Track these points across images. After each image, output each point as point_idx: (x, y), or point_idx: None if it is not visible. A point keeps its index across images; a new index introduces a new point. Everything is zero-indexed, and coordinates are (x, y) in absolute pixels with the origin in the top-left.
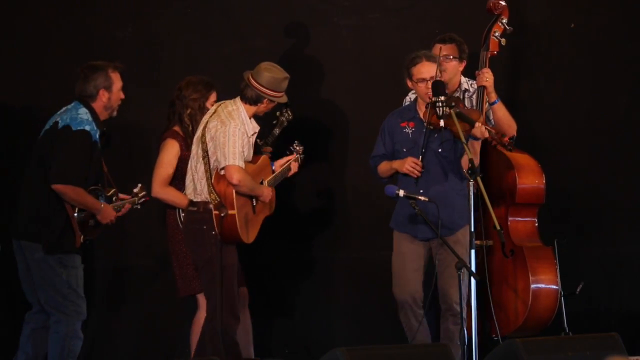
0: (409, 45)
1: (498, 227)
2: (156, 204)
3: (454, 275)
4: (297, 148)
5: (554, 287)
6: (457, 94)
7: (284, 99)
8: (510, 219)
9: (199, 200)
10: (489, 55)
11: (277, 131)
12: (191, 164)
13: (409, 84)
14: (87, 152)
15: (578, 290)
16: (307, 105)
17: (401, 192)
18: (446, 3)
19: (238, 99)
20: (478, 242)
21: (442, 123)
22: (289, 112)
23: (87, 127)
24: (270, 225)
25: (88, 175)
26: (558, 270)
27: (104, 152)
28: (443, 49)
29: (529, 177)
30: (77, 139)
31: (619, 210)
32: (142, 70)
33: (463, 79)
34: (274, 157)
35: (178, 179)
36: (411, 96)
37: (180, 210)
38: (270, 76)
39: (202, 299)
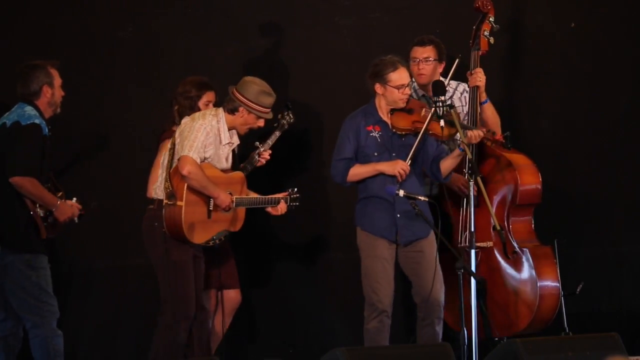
0: (409, 45)
1: (498, 228)
2: None
3: (436, 277)
4: (291, 191)
5: (557, 286)
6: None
7: (266, 116)
8: (511, 219)
9: (158, 197)
10: (480, 55)
11: (277, 134)
12: (162, 160)
13: (379, 89)
14: (40, 144)
15: (578, 290)
16: (307, 105)
17: (401, 192)
18: (446, 3)
19: (221, 108)
20: (479, 244)
21: (442, 123)
22: (290, 114)
23: (37, 121)
24: (270, 225)
25: (42, 169)
26: (558, 270)
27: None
28: (422, 51)
29: (529, 177)
30: (28, 131)
31: (618, 210)
32: (142, 70)
33: (443, 80)
34: (273, 158)
35: None
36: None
37: None
38: (255, 89)
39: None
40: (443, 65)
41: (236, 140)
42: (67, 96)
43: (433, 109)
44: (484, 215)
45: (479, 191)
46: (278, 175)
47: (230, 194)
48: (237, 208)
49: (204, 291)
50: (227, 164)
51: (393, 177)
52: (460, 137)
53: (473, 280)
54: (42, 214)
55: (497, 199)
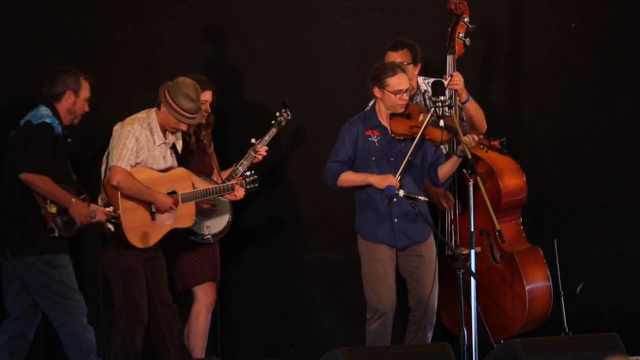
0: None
1: (498, 228)
2: None
3: (433, 282)
4: (247, 174)
5: (548, 285)
6: (418, 97)
7: (189, 121)
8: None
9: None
10: (456, 58)
11: (274, 130)
12: None
13: (378, 93)
14: (50, 143)
15: (578, 290)
16: (306, 105)
17: (401, 192)
18: (446, 3)
19: (155, 108)
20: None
21: (442, 123)
22: (288, 112)
23: (48, 120)
24: (270, 225)
25: (54, 168)
26: (547, 268)
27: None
28: (396, 56)
29: (511, 179)
30: (38, 130)
31: (618, 210)
32: (142, 70)
33: (420, 80)
34: (273, 158)
35: None
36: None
37: None
38: (180, 90)
39: (198, 291)
40: (419, 67)
41: (172, 139)
42: None
43: (429, 114)
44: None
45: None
46: (277, 175)
47: (175, 192)
48: (184, 204)
49: (201, 285)
50: (165, 163)
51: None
52: (460, 139)
53: (473, 281)
54: (54, 212)
55: (480, 203)
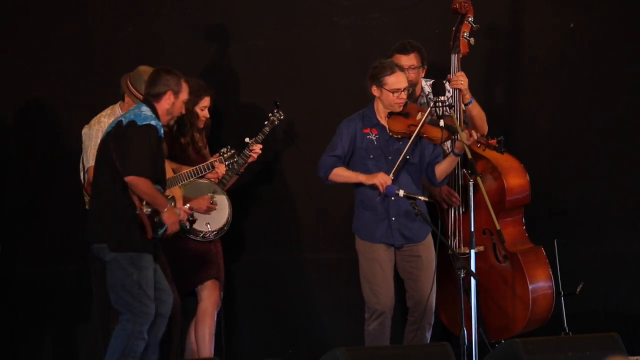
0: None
1: (498, 228)
2: None
3: (431, 282)
4: (223, 150)
5: (550, 285)
6: (422, 99)
7: None
8: (501, 223)
9: None
10: (461, 57)
11: (267, 130)
12: None
13: (376, 91)
14: (155, 146)
15: (578, 290)
16: (306, 105)
17: (401, 192)
18: (446, 3)
19: (118, 103)
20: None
21: (442, 123)
22: (280, 112)
23: (153, 122)
24: (269, 226)
25: (155, 170)
26: (550, 268)
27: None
28: (406, 59)
29: (516, 179)
30: (144, 132)
31: (618, 210)
32: None
33: (423, 82)
34: (272, 157)
35: None
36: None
37: None
38: (143, 80)
39: (202, 291)
40: (425, 69)
41: None
42: (67, 96)
43: (426, 113)
44: (475, 219)
45: (474, 193)
46: (276, 175)
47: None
48: (171, 189)
49: (205, 284)
50: None
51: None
52: (458, 138)
53: (473, 281)
54: (149, 212)
55: (484, 203)
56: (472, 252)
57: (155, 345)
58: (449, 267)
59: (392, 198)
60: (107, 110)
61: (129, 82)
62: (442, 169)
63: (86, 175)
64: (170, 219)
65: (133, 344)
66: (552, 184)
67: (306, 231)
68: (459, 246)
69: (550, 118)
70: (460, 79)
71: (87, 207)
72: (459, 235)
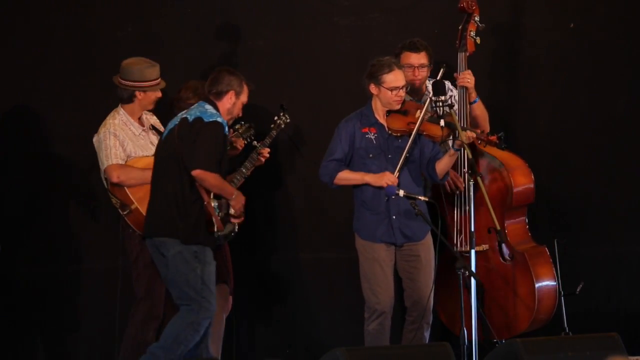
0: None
1: (498, 228)
2: None
3: (429, 283)
4: (237, 126)
5: (554, 285)
6: (425, 98)
7: (160, 85)
8: (507, 221)
9: None
10: (467, 56)
11: (274, 133)
12: None
13: (374, 89)
14: (221, 143)
15: (578, 290)
16: (306, 105)
17: (401, 192)
18: (446, 3)
19: (119, 106)
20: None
21: (442, 123)
22: (286, 115)
23: (219, 119)
24: (270, 225)
25: (221, 166)
26: (554, 268)
27: None
28: (417, 58)
29: (522, 178)
30: (211, 128)
31: (618, 210)
32: None
33: (427, 81)
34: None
35: None
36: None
37: None
38: (135, 68)
39: None
40: (431, 69)
41: (147, 123)
42: (67, 96)
43: (424, 110)
44: (479, 218)
45: (475, 191)
46: (276, 175)
47: None
48: None
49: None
50: (154, 147)
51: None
52: (458, 137)
53: (473, 281)
54: (216, 206)
55: (491, 201)
56: (472, 252)
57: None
58: (449, 266)
59: (392, 197)
60: (110, 115)
61: (119, 78)
62: (442, 165)
63: (106, 176)
64: (238, 203)
65: (188, 334)
66: (552, 183)
67: (306, 231)
68: (463, 244)
69: (550, 118)
70: (467, 77)
71: (116, 206)
72: (464, 234)
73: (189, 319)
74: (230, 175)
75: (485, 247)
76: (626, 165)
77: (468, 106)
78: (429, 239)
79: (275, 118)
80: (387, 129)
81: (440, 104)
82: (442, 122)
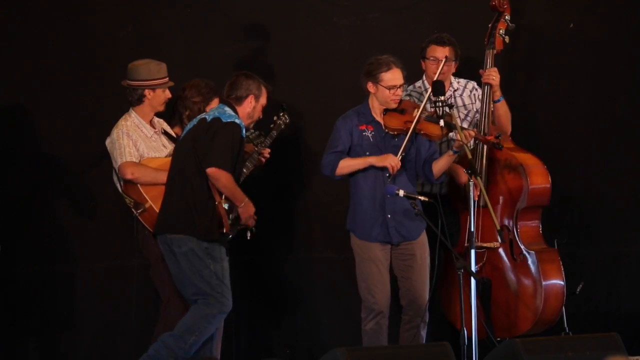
0: (408, 46)
1: (498, 228)
2: None
3: (425, 281)
4: (247, 133)
5: (562, 288)
6: (449, 94)
7: (168, 84)
8: (519, 222)
9: None
10: (494, 54)
11: (274, 134)
12: None
13: (371, 88)
14: (237, 144)
15: (578, 290)
16: (305, 105)
17: (401, 192)
18: (446, 3)
19: (130, 109)
20: (485, 244)
21: (442, 123)
22: (285, 115)
23: (237, 121)
24: (270, 225)
25: (235, 167)
26: (563, 271)
27: None
28: (443, 51)
29: (539, 178)
30: (229, 128)
31: (618, 210)
32: None
33: (452, 79)
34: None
35: None
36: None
37: None
38: (142, 68)
39: None
40: (457, 65)
41: (159, 126)
42: (67, 96)
43: (421, 109)
44: (490, 216)
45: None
46: (276, 175)
47: None
48: None
49: None
50: (166, 150)
51: (385, 174)
52: (457, 137)
53: (473, 281)
54: (226, 208)
55: (506, 199)
56: (472, 252)
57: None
58: (453, 265)
59: (388, 196)
60: (123, 116)
61: (127, 80)
62: (440, 166)
63: (120, 179)
64: (247, 213)
65: (202, 325)
66: (551, 184)
67: (305, 231)
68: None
69: (550, 118)
70: (492, 75)
71: (130, 205)
72: (477, 230)
73: (205, 312)
74: None
75: (496, 244)
76: (626, 165)
77: (491, 104)
78: (424, 237)
79: (275, 118)
80: (384, 127)
81: (440, 104)
82: (441, 122)
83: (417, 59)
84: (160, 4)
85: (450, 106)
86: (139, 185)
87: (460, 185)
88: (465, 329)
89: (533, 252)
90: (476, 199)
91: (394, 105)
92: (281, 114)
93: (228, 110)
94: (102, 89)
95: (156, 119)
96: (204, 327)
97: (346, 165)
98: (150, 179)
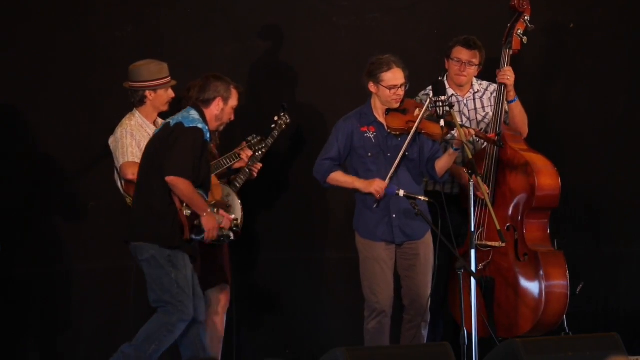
0: (408, 46)
1: (499, 228)
2: None
3: (428, 281)
4: (251, 138)
5: (565, 289)
6: (468, 95)
7: (170, 84)
8: (526, 223)
9: None
10: (511, 54)
11: (275, 134)
12: None
13: (373, 88)
14: (199, 149)
15: (578, 290)
16: (305, 105)
17: (401, 192)
18: (446, 3)
19: (134, 109)
20: (491, 243)
21: (442, 123)
22: (286, 116)
23: (200, 125)
24: (270, 225)
25: (198, 173)
26: (568, 274)
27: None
28: (469, 54)
29: (548, 180)
30: (190, 134)
31: (618, 210)
32: None
33: (474, 80)
34: (271, 157)
35: None
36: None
37: None
38: (142, 69)
39: (212, 295)
40: (480, 69)
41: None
42: (67, 96)
43: (424, 108)
44: (496, 215)
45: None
46: (276, 176)
47: None
48: (212, 193)
49: (214, 288)
50: None
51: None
52: (457, 136)
53: (473, 281)
54: (188, 215)
55: (513, 200)
56: (472, 252)
57: (203, 351)
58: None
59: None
60: (127, 115)
61: (129, 82)
62: (442, 164)
63: (121, 178)
64: (209, 225)
65: (161, 334)
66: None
67: (306, 231)
68: (482, 239)
69: (550, 118)
70: (508, 74)
71: (130, 205)
72: (483, 228)
73: (164, 320)
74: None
75: (501, 243)
76: (626, 165)
77: (505, 104)
78: (428, 237)
79: (276, 118)
80: (386, 127)
81: (441, 103)
82: (442, 122)
83: (417, 58)
84: (160, 4)
85: (451, 106)
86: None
87: (465, 186)
88: (465, 328)
89: (538, 253)
90: (483, 197)
91: (395, 105)
92: (282, 114)
93: (193, 114)
94: (102, 89)
95: (159, 119)
96: (164, 336)
97: (336, 180)
98: None
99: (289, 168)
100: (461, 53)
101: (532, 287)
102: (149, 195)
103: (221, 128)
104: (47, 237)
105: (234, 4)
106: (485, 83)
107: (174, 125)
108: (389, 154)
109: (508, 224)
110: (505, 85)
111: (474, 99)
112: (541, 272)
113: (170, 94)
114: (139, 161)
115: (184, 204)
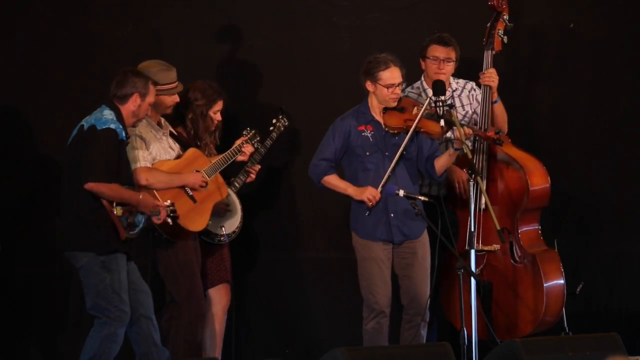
0: (408, 45)
1: (499, 228)
2: None
3: (426, 280)
4: (245, 132)
5: (562, 288)
6: (448, 95)
7: (176, 89)
8: (520, 224)
9: None
10: (493, 54)
11: (273, 136)
12: None
13: (370, 87)
14: (115, 150)
15: (578, 290)
16: (304, 105)
17: (401, 192)
18: (446, 3)
19: None
20: (486, 247)
21: (442, 123)
22: (284, 118)
23: (113, 126)
24: (269, 226)
25: (120, 173)
26: (563, 272)
27: None
28: (444, 52)
29: (539, 179)
30: (102, 137)
31: (618, 210)
32: None
33: (451, 79)
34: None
35: None
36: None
37: None
38: (148, 72)
39: (213, 294)
40: (456, 66)
41: (167, 127)
42: (67, 96)
43: (423, 107)
44: (490, 218)
45: (475, 192)
46: (276, 175)
47: (198, 170)
48: (212, 179)
49: (215, 288)
50: (174, 151)
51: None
52: (457, 136)
53: (473, 281)
54: (120, 214)
55: (506, 202)
56: (472, 252)
57: (154, 347)
58: (452, 265)
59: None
60: None
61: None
62: (441, 163)
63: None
64: (145, 205)
65: (106, 347)
66: (552, 184)
67: (305, 231)
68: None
69: (550, 118)
70: (492, 76)
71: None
72: (477, 233)
73: (104, 332)
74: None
75: (496, 247)
76: (626, 165)
77: (491, 105)
78: (425, 236)
79: (274, 121)
80: (384, 126)
81: (440, 103)
82: (442, 122)
83: (417, 58)
84: (160, 4)
85: (451, 106)
86: (154, 191)
87: (453, 185)
88: (465, 329)
89: (533, 254)
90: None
91: (393, 104)
92: (280, 117)
93: (106, 114)
94: (102, 88)
95: (163, 120)
96: (109, 348)
97: (330, 183)
98: (163, 184)
99: (288, 168)
100: (437, 51)
101: (530, 289)
102: (75, 202)
103: (138, 124)
104: (47, 237)
105: (234, 4)
106: (462, 81)
107: (87, 128)
108: (386, 153)
109: (503, 227)
110: (490, 87)
111: (453, 97)
112: (539, 274)
113: (175, 98)
114: (149, 165)
115: (113, 203)
